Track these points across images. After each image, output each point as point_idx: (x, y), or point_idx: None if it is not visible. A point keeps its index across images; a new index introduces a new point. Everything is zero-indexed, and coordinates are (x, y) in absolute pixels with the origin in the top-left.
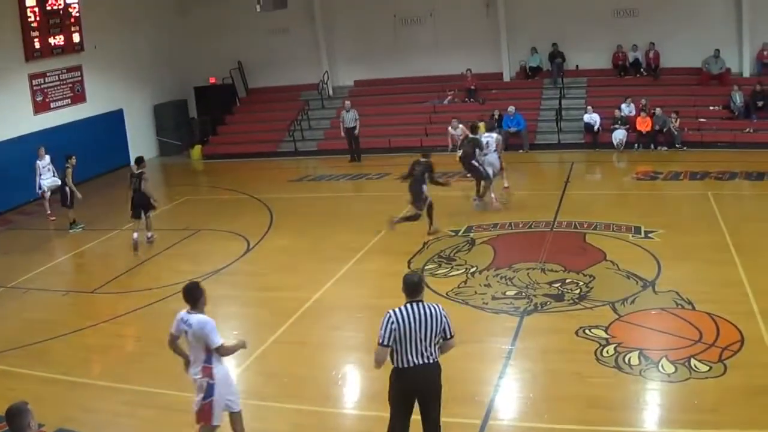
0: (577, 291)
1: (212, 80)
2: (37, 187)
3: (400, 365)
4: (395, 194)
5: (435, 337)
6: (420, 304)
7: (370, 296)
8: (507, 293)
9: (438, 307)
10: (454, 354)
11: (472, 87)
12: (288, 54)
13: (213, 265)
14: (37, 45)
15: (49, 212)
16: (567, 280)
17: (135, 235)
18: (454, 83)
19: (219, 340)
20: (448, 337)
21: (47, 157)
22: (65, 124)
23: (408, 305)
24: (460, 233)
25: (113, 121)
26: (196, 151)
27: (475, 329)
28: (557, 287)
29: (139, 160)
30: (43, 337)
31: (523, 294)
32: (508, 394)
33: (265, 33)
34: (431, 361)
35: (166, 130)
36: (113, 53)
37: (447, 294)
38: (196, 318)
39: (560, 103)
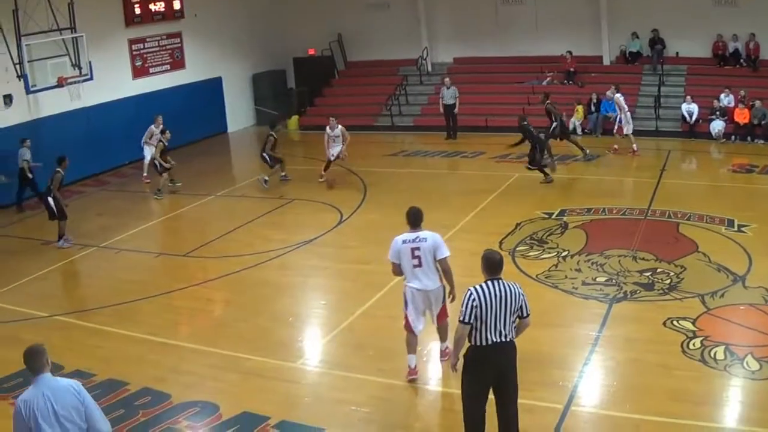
0: (668, 281)
1: (311, 52)
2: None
3: (479, 342)
4: (490, 173)
5: (513, 315)
6: (500, 282)
7: (459, 274)
8: (597, 279)
9: (516, 285)
10: (542, 337)
11: (572, 69)
12: (388, 29)
13: (305, 235)
14: (137, 11)
15: (145, 174)
16: (658, 270)
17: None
18: (554, 65)
19: (448, 252)
20: (525, 315)
21: (162, 126)
22: (163, 89)
23: (489, 282)
24: (553, 216)
25: (212, 89)
26: (293, 121)
27: (563, 314)
28: (648, 276)
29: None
30: (134, 297)
31: (614, 281)
32: (591, 381)
33: (366, 7)
34: (508, 339)
35: (264, 100)
36: (213, 21)
37: (537, 277)
38: (428, 233)
39: (659, 90)
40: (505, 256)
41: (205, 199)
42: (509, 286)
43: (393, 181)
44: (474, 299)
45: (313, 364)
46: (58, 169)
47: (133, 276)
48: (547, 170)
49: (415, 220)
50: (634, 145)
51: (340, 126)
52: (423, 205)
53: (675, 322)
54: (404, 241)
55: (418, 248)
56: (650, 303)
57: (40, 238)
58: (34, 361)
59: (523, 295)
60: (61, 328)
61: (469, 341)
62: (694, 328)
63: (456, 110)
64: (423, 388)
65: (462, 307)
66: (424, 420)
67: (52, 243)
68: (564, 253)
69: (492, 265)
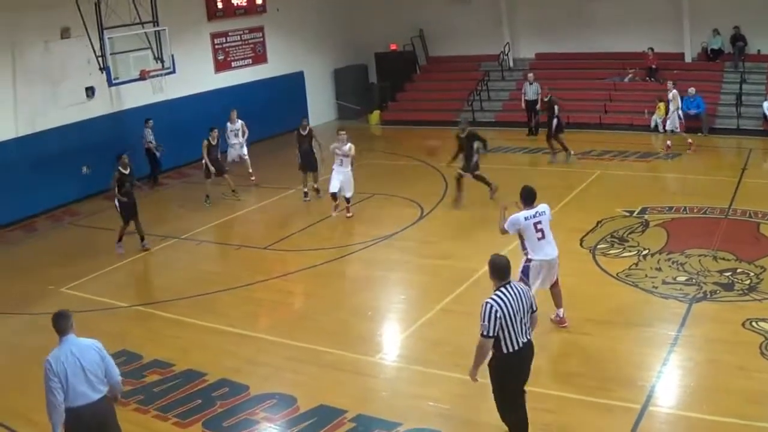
0: (748, 282)
1: (393, 47)
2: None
3: (511, 349)
4: (571, 170)
5: (527, 314)
6: (512, 286)
7: None
8: (678, 279)
9: (520, 284)
10: (621, 336)
11: (653, 66)
12: (469, 24)
13: (385, 229)
14: (219, 5)
15: (250, 171)
16: (738, 270)
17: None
18: (635, 61)
19: None
20: (534, 309)
21: (239, 122)
22: (245, 83)
23: (503, 289)
24: (634, 214)
25: (293, 83)
26: (375, 116)
27: (643, 313)
28: (728, 276)
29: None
30: (213, 288)
31: (694, 281)
32: (669, 381)
33: (447, 2)
34: (531, 337)
35: (346, 95)
36: (295, 16)
37: (617, 275)
38: (543, 205)
39: (740, 88)
40: (585, 254)
41: (286, 193)
42: (519, 288)
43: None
44: (497, 311)
45: (391, 359)
46: (119, 168)
47: (212, 267)
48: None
49: (529, 197)
50: (669, 141)
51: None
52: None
53: (754, 323)
54: (526, 218)
55: (539, 222)
56: (730, 303)
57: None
58: (62, 323)
59: (529, 291)
60: (140, 318)
61: (495, 350)
62: None
63: (539, 106)
64: None
65: (484, 321)
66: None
67: (135, 234)
68: (644, 252)
69: (502, 270)
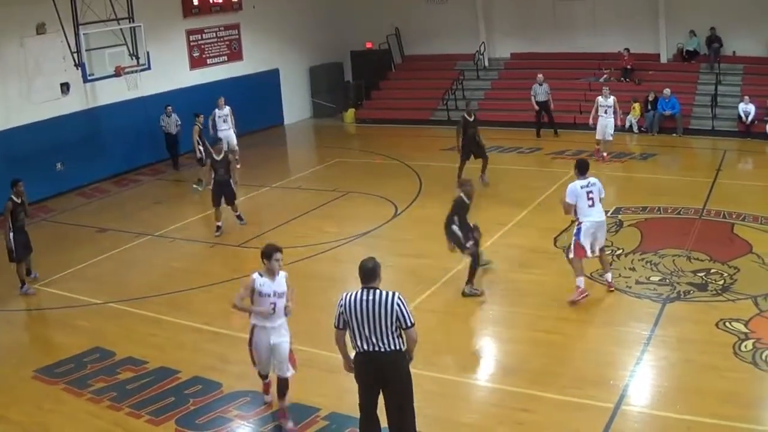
0: (721, 282)
1: (369, 45)
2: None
3: (359, 350)
4: (546, 169)
5: (388, 323)
6: (372, 291)
7: (511, 270)
8: (651, 278)
9: (388, 294)
10: (594, 336)
11: (629, 66)
12: (445, 23)
13: (359, 227)
14: (195, 2)
15: (237, 159)
16: (712, 270)
17: None
18: (611, 62)
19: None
20: (406, 326)
21: (227, 108)
22: (221, 80)
23: (361, 291)
24: (608, 214)
25: (269, 81)
26: (350, 114)
27: (617, 312)
28: (701, 276)
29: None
30: (188, 286)
31: (667, 281)
32: (642, 380)
33: (423, 1)
34: (395, 347)
35: (321, 93)
36: (271, 13)
37: (591, 275)
38: (593, 178)
39: (716, 89)
40: (559, 254)
41: (260, 191)
42: (383, 297)
43: (449, 176)
44: (341, 306)
45: None
46: (12, 196)
47: (187, 265)
48: None
49: (582, 168)
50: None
51: None
52: (479, 199)
53: (727, 324)
54: (581, 186)
55: (591, 191)
56: (703, 304)
57: (96, 226)
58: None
59: (399, 305)
60: (114, 315)
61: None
62: (747, 330)
63: (552, 107)
64: (474, 383)
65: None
66: (475, 415)
67: (108, 230)
68: (618, 252)
69: (363, 273)
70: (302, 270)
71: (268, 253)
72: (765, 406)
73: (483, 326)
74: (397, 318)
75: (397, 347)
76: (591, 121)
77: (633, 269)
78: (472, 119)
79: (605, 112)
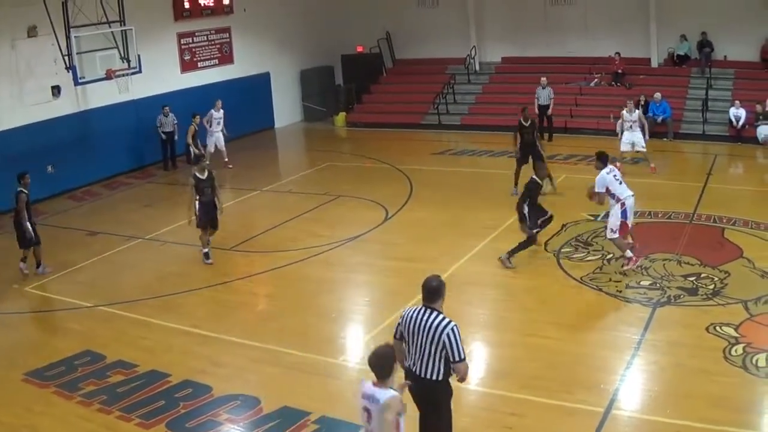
0: (712, 286)
1: (360, 49)
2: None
3: (406, 364)
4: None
5: (432, 348)
6: (429, 311)
7: (503, 275)
8: (642, 283)
9: (443, 320)
10: (584, 340)
11: (619, 71)
12: (436, 27)
13: (350, 231)
14: (186, 5)
15: (226, 160)
16: (702, 275)
17: None
18: (602, 66)
19: None
20: (456, 359)
21: (222, 111)
22: (212, 83)
23: (423, 308)
24: (599, 218)
25: (260, 84)
26: (341, 118)
27: (607, 316)
28: (692, 281)
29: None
30: (178, 289)
31: (658, 285)
32: (633, 385)
33: (415, 5)
34: (428, 376)
35: (312, 96)
36: (262, 17)
37: (581, 279)
38: (611, 166)
39: (707, 94)
40: (550, 258)
41: (251, 194)
42: (436, 321)
43: (439, 179)
44: (402, 316)
45: (355, 361)
46: (20, 188)
47: (178, 268)
48: None
49: (603, 158)
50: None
51: None
52: (469, 203)
53: (718, 328)
54: (608, 173)
55: (616, 174)
56: (694, 308)
57: (86, 229)
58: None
59: (450, 335)
60: (104, 319)
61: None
62: (737, 335)
63: (550, 111)
64: (464, 387)
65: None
66: (465, 418)
67: (99, 234)
68: (609, 256)
69: (425, 291)
70: (293, 273)
71: None
72: (755, 410)
73: (473, 330)
74: (444, 348)
75: (436, 377)
76: (619, 133)
77: (624, 274)
78: (527, 124)
79: (630, 127)
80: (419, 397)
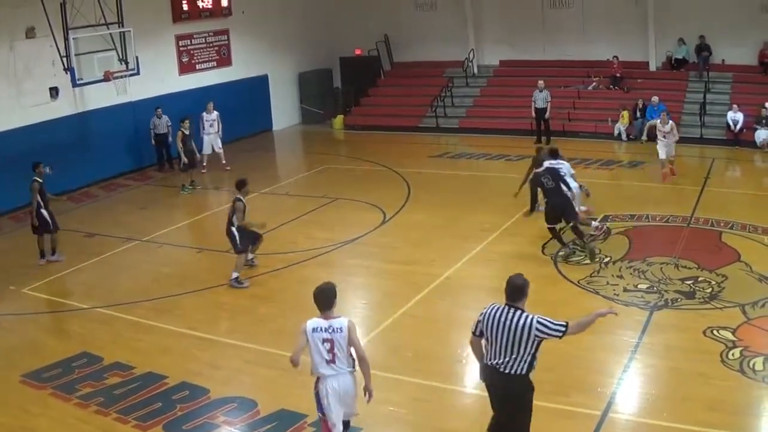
0: (709, 290)
1: (358, 51)
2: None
3: (487, 361)
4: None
5: (515, 339)
6: (512, 310)
7: (500, 278)
8: (639, 286)
9: (526, 317)
10: (582, 342)
11: (618, 74)
12: (434, 30)
13: (348, 234)
14: (185, 7)
15: (224, 162)
16: (699, 278)
17: None
18: (600, 69)
19: None
20: (559, 335)
21: (215, 113)
22: (210, 86)
23: (506, 307)
24: (596, 221)
25: (258, 87)
26: (338, 120)
27: (604, 320)
28: (689, 284)
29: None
30: (175, 291)
31: (655, 288)
32: (630, 388)
33: (413, 8)
34: (509, 370)
35: (310, 99)
36: (260, 19)
37: (579, 282)
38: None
39: (705, 97)
40: (547, 261)
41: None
42: (518, 318)
43: (437, 182)
44: (481, 314)
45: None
46: (34, 177)
47: (174, 270)
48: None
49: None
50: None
51: None
52: (467, 206)
53: (715, 332)
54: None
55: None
56: (691, 311)
57: (84, 230)
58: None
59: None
60: (102, 321)
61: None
62: (734, 338)
63: (547, 115)
64: (460, 390)
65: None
66: (461, 422)
67: (96, 235)
68: (606, 259)
69: (508, 289)
70: (292, 276)
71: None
72: (752, 413)
73: (470, 334)
74: (541, 341)
75: (519, 372)
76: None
77: (621, 277)
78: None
79: (663, 137)
80: (499, 395)
